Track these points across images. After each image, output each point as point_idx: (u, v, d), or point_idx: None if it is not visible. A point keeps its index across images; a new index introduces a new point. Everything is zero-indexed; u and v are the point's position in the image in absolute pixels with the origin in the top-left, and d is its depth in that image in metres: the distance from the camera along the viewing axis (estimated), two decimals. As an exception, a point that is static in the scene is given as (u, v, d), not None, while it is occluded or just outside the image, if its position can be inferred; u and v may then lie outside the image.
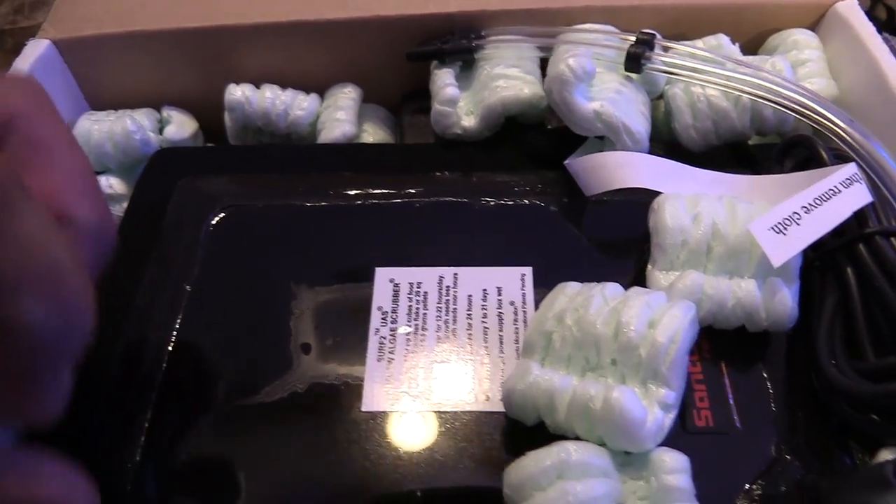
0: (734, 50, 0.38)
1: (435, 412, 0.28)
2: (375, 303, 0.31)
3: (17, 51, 0.40)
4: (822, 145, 0.32)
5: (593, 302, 0.26)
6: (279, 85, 0.42)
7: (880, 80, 0.36)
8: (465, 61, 0.39)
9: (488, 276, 0.32)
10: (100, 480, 0.27)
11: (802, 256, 0.29)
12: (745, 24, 0.41)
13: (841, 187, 0.29)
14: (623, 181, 0.32)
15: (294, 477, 0.27)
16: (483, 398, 0.28)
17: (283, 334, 0.31)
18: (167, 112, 0.43)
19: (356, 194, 0.35)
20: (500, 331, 0.30)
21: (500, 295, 0.31)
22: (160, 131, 0.42)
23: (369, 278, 0.32)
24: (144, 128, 0.41)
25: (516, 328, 0.30)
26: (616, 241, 0.33)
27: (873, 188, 0.30)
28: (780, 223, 0.28)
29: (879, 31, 0.37)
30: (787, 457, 0.27)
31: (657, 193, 0.31)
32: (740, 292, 0.28)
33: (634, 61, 0.35)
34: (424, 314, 0.31)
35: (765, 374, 0.29)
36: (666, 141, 0.37)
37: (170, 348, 0.30)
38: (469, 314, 0.31)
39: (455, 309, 0.31)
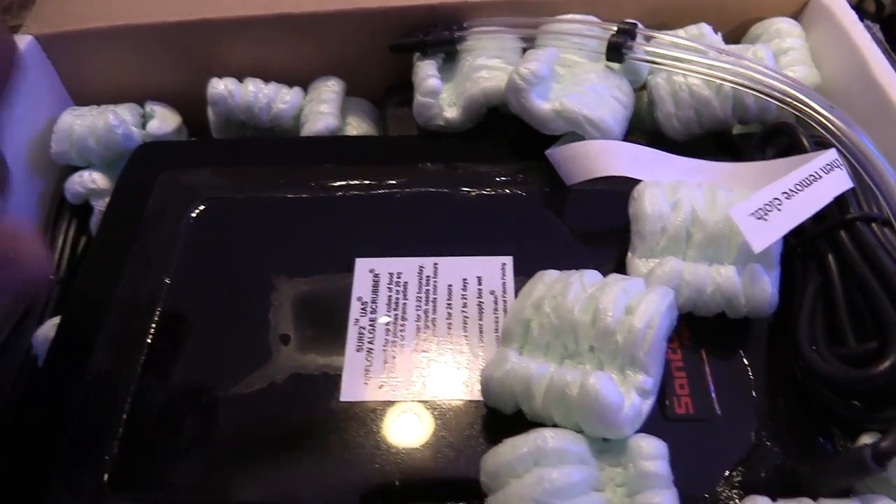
0: (716, 39, 0.38)
1: (414, 402, 0.28)
2: (355, 293, 0.31)
3: (4, 50, 0.40)
4: (804, 132, 0.32)
5: (571, 289, 0.26)
6: (262, 78, 0.42)
7: (862, 67, 0.36)
8: (448, 53, 0.39)
9: (469, 266, 0.32)
10: (79, 470, 0.27)
11: (783, 243, 0.29)
12: (728, 13, 0.40)
13: (821, 173, 0.29)
14: (604, 170, 0.32)
15: (273, 467, 0.27)
16: (462, 387, 0.28)
17: (263, 325, 0.30)
18: (150, 107, 0.42)
19: (337, 186, 0.35)
20: (480, 320, 0.30)
21: (480, 284, 0.31)
22: (143, 126, 0.42)
23: (349, 269, 0.32)
24: (127, 122, 0.41)
25: (496, 317, 0.30)
26: (597, 229, 0.33)
27: (854, 175, 0.30)
28: (760, 209, 0.28)
29: (861, 18, 0.37)
30: (768, 443, 0.27)
31: (638, 182, 0.31)
32: (719, 278, 0.28)
33: (616, 51, 0.35)
34: (404, 304, 0.31)
35: (745, 361, 0.29)
36: (649, 131, 0.37)
37: (149, 340, 0.30)
38: (449, 304, 0.30)
39: (435, 299, 0.31)
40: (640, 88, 0.37)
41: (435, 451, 0.27)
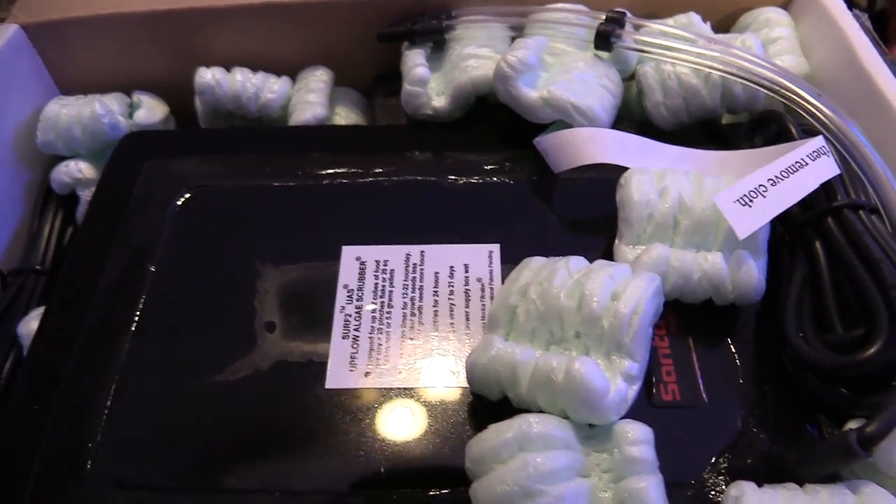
0: (705, 28, 0.38)
1: (399, 389, 0.28)
2: (341, 281, 0.31)
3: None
4: (792, 120, 0.32)
5: (557, 275, 0.26)
6: (250, 68, 0.41)
7: (850, 56, 0.36)
8: (436, 42, 0.38)
9: (456, 254, 0.31)
10: (61, 458, 0.27)
11: (770, 230, 0.29)
12: (717, 2, 0.40)
13: (808, 160, 0.29)
14: (591, 157, 0.32)
15: (258, 454, 0.27)
16: (448, 375, 0.28)
17: (248, 313, 0.30)
18: (137, 96, 0.42)
19: (324, 174, 0.35)
20: (467, 307, 0.30)
21: (467, 272, 0.31)
22: (130, 116, 0.42)
23: (336, 257, 0.32)
24: (113, 112, 0.40)
25: (483, 305, 0.30)
26: (584, 217, 0.33)
27: (842, 162, 0.30)
28: (745, 195, 0.28)
29: (850, 7, 0.37)
30: (755, 430, 0.27)
31: (625, 169, 0.31)
32: (706, 264, 0.28)
33: (604, 39, 0.35)
34: (391, 291, 0.30)
35: (733, 348, 0.29)
36: (638, 120, 0.37)
37: (134, 328, 0.30)
38: (436, 291, 0.30)
39: (421, 286, 0.30)
40: (629, 78, 0.37)
41: (421, 438, 0.27)
